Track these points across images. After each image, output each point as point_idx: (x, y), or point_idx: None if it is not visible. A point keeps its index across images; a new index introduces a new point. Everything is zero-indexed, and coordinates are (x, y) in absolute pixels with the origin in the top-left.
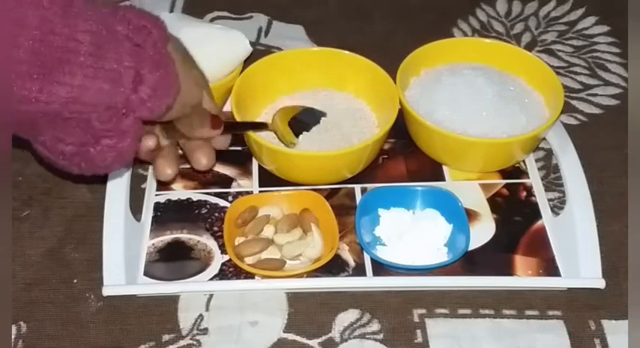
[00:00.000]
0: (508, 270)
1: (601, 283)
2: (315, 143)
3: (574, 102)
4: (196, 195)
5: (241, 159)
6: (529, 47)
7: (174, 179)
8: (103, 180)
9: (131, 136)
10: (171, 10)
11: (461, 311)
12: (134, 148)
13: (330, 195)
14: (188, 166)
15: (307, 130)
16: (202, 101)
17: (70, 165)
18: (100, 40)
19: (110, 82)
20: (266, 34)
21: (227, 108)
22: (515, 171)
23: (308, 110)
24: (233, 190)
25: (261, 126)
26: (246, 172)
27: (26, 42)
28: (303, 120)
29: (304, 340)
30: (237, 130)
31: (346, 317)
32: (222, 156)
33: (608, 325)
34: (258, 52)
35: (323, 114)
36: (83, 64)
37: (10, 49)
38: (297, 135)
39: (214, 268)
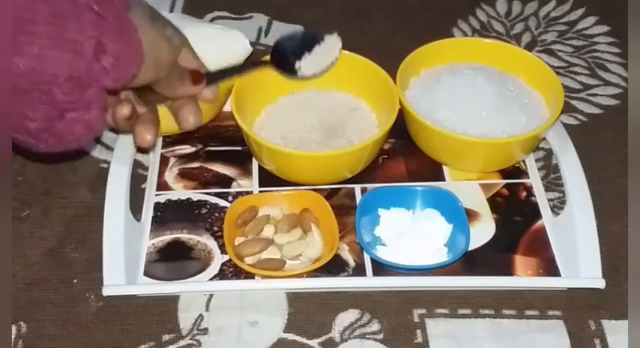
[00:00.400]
0: (508, 270)
1: (601, 283)
2: (317, 143)
3: (574, 102)
4: (196, 195)
5: (241, 159)
6: (529, 47)
7: (154, 145)
8: (102, 179)
9: (97, 107)
10: (171, 10)
11: (461, 311)
12: (101, 119)
13: (330, 195)
14: (188, 165)
15: (309, 52)
16: (181, 58)
17: (38, 143)
18: (60, 10)
19: (70, 51)
20: (266, 34)
21: (227, 108)
22: (515, 171)
23: (304, 33)
24: (233, 190)
25: (250, 67)
26: (246, 172)
27: None
28: (297, 42)
29: (304, 340)
30: (224, 77)
31: (346, 317)
32: (222, 156)
33: (608, 325)
34: (258, 52)
35: (321, 34)
36: (42, 33)
37: None
38: (296, 60)
39: (214, 268)
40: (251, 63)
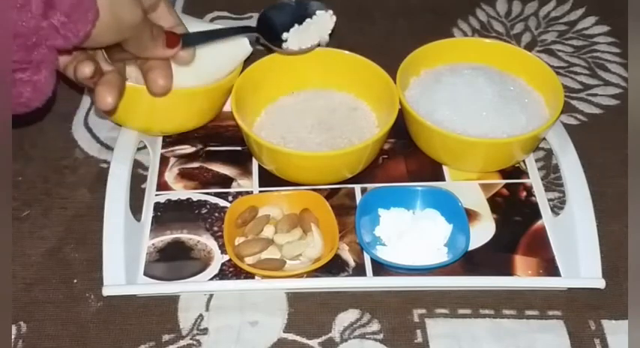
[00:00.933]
0: (508, 270)
1: (601, 283)
2: (316, 143)
3: (574, 102)
4: (196, 195)
5: (241, 159)
6: (529, 47)
7: (115, 109)
8: (102, 179)
9: (46, 67)
10: None
11: (461, 311)
12: (52, 80)
13: (330, 195)
14: (188, 165)
15: (300, 24)
16: (156, 15)
17: None
18: None
19: (15, 8)
20: None
21: (227, 108)
22: (515, 171)
23: (297, 3)
24: (233, 190)
25: (233, 32)
26: (246, 172)
27: None
28: (288, 12)
29: (304, 340)
30: (203, 40)
31: (346, 317)
32: (222, 156)
33: (608, 325)
34: (258, 52)
35: (315, 7)
36: None
37: None
38: (284, 31)
39: (214, 268)
40: (234, 28)
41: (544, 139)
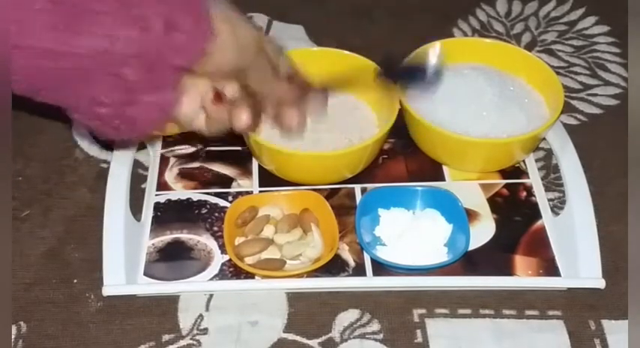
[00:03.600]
0: (508, 270)
1: (601, 283)
2: (316, 143)
3: (574, 102)
4: (196, 195)
5: (241, 159)
6: (529, 47)
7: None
8: (102, 179)
9: (170, 88)
10: None
11: (461, 311)
12: (175, 102)
13: (330, 195)
14: (188, 165)
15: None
16: (279, 60)
17: (109, 129)
18: None
19: (139, 29)
20: (266, 34)
21: None
22: (515, 171)
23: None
24: (233, 190)
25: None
26: (246, 172)
27: None
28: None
29: (304, 340)
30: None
31: (346, 317)
32: (222, 156)
33: (608, 325)
34: None
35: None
36: (108, 11)
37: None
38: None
39: (214, 268)
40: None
41: (544, 139)
